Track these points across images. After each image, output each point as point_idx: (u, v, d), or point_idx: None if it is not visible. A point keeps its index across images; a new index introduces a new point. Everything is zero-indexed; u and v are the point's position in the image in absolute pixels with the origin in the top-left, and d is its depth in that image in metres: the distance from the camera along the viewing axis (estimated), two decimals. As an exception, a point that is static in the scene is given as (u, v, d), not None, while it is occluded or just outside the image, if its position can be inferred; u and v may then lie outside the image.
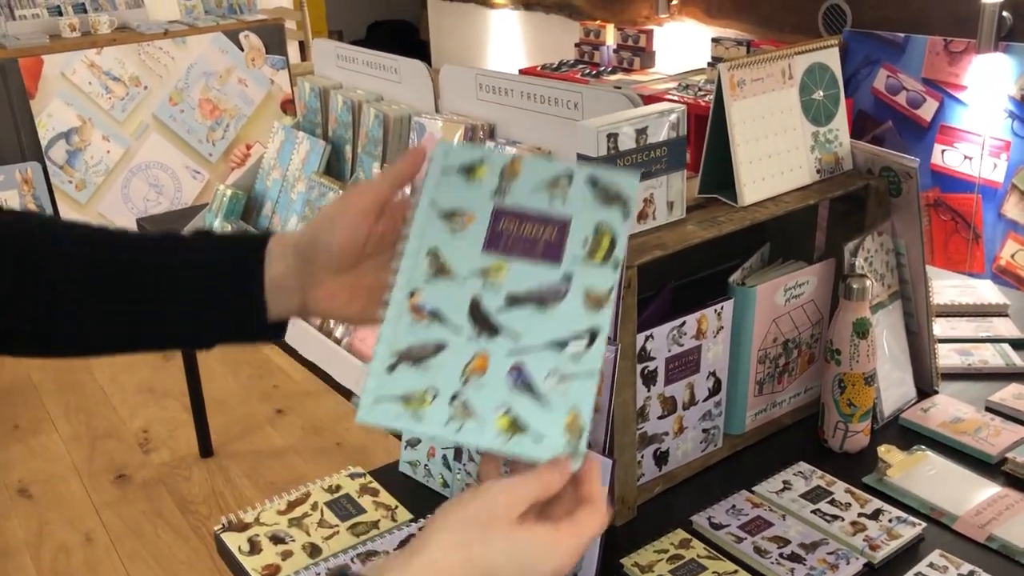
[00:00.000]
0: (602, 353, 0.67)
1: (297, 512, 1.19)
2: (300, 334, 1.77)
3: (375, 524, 1.16)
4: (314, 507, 1.20)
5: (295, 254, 0.75)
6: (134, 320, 0.75)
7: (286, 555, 1.11)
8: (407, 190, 0.77)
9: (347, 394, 1.64)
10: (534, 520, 0.63)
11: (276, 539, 1.14)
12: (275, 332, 0.77)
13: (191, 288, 0.74)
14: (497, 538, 0.61)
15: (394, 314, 0.69)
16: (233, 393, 3.18)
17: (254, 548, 1.13)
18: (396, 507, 1.19)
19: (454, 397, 0.66)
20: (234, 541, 1.14)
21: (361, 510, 1.19)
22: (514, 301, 0.68)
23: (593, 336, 0.67)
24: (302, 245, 0.75)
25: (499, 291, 0.68)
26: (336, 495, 1.22)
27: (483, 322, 0.68)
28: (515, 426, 0.65)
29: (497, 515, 0.61)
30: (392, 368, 0.67)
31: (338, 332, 1.69)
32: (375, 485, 1.24)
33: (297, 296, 0.75)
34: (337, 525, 1.16)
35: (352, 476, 1.26)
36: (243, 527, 1.16)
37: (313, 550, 1.12)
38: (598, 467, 0.67)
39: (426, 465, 1.23)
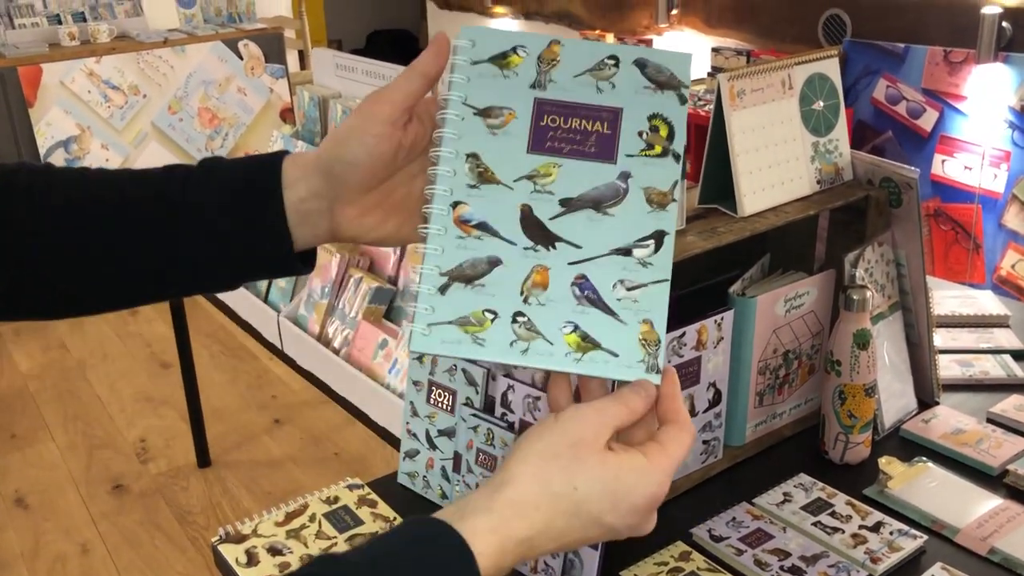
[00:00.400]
0: (671, 256, 0.62)
1: (295, 524, 1.18)
2: (298, 344, 1.76)
3: (374, 536, 1.15)
4: (312, 519, 1.19)
5: (317, 174, 0.68)
6: (146, 267, 0.68)
7: (284, 567, 1.10)
8: (438, 87, 0.70)
9: (345, 404, 1.63)
10: (619, 446, 0.58)
11: (274, 551, 1.13)
12: (303, 263, 0.71)
13: (203, 225, 0.67)
14: (585, 468, 0.56)
15: (438, 229, 0.62)
16: (231, 402, 3.17)
17: (252, 560, 1.12)
18: (394, 519, 1.18)
19: (516, 316, 0.61)
20: (231, 553, 1.13)
21: (359, 522, 1.18)
22: (569, 206, 0.62)
23: (660, 238, 0.62)
24: (324, 163, 0.68)
25: (551, 196, 0.62)
26: (334, 506, 1.21)
27: (538, 231, 0.62)
28: (586, 343, 0.60)
29: (583, 444, 0.57)
30: (444, 289, 0.61)
31: (336, 342, 1.68)
32: (373, 497, 1.23)
33: (325, 220, 0.68)
34: (335, 537, 1.15)
35: (350, 487, 1.25)
36: (241, 538, 1.15)
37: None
38: (676, 381, 0.62)
39: (424, 477, 1.22)
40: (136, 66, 4.01)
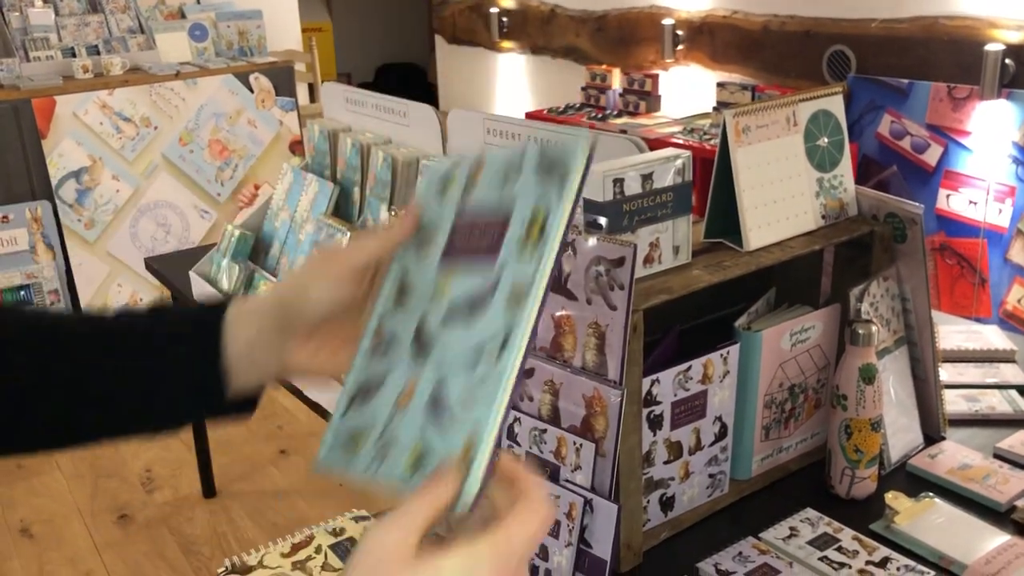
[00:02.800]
0: (515, 360, 0.54)
1: (301, 555, 1.18)
2: (306, 375, 1.77)
3: None
4: (318, 550, 1.19)
5: (272, 311, 0.68)
6: (87, 413, 0.69)
7: None
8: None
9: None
10: (441, 544, 0.52)
11: None
12: (241, 408, 0.70)
13: (143, 374, 0.68)
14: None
15: (364, 345, 0.64)
16: (237, 433, 3.17)
17: None
18: None
19: (381, 433, 0.58)
20: None
21: None
22: (451, 312, 0.59)
23: (507, 338, 0.55)
24: (281, 297, 0.69)
25: (442, 305, 0.61)
26: (340, 538, 1.21)
27: (421, 343, 0.60)
28: (421, 460, 0.55)
29: (385, 559, 0.51)
30: (348, 407, 0.62)
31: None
32: None
33: (275, 359, 0.69)
34: (341, 568, 1.15)
35: (356, 519, 1.25)
36: (246, 570, 1.15)
37: None
38: (521, 464, 0.57)
39: None
40: (148, 98, 4.06)
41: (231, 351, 0.68)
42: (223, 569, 1.16)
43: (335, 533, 1.22)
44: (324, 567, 1.15)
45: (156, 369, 0.68)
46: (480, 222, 0.63)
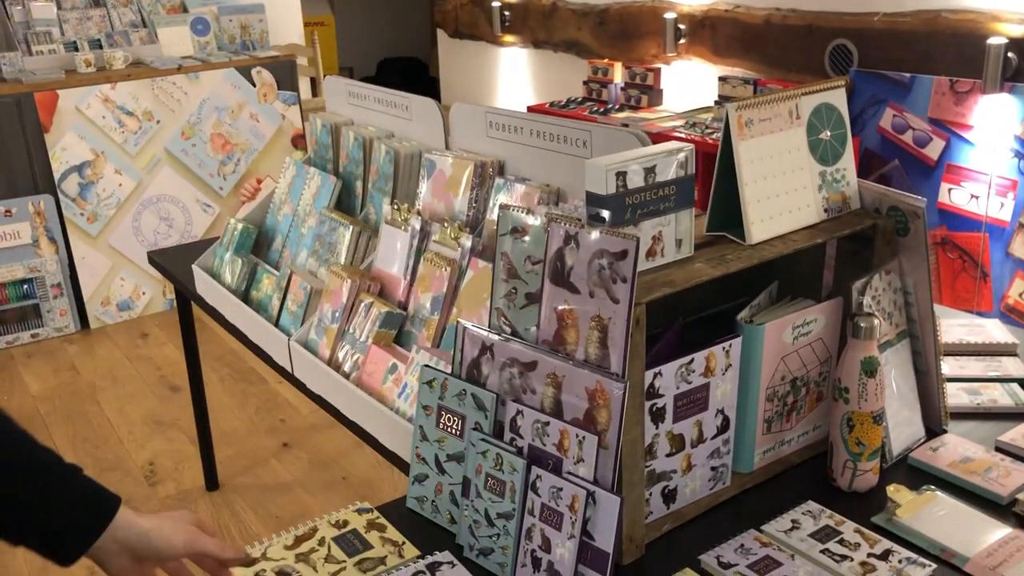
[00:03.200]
0: None
1: (304, 547, 1.19)
2: (307, 368, 1.77)
3: (382, 560, 1.15)
4: (321, 542, 1.20)
5: (121, 534, 0.98)
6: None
7: None
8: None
9: (354, 428, 1.64)
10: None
11: (283, 575, 1.14)
12: (67, 561, 0.97)
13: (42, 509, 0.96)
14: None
15: None
16: (240, 426, 3.18)
17: None
18: (403, 543, 1.18)
19: None
20: None
21: (368, 546, 1.18)
22: None
23: None
24: (130, 534, 0.98)
25: None
26: (343, 530, 1.22)
27: None
28: None
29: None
30: None
31: (346, 367, 1.69)
32: (382, 521, 1.23)
33: (102, 556, 0.98)
34: (344, 561, 1.16)
35: (359, 511, 1.25)
36: (250, 562, 1.16)
37: None
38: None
39: (433, 501, 1.23)
40: (150, 92, 4.06)
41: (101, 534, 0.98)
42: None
43: (338, 525, 1.22)
44: (328, 559, 1.16)
45: (51, 511, 0.96)
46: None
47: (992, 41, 2.90)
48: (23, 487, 0.94)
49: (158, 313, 4.19)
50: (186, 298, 2.52)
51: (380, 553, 1.17)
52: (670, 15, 4.20)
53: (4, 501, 0.93)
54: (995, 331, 1.62)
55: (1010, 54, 2.88)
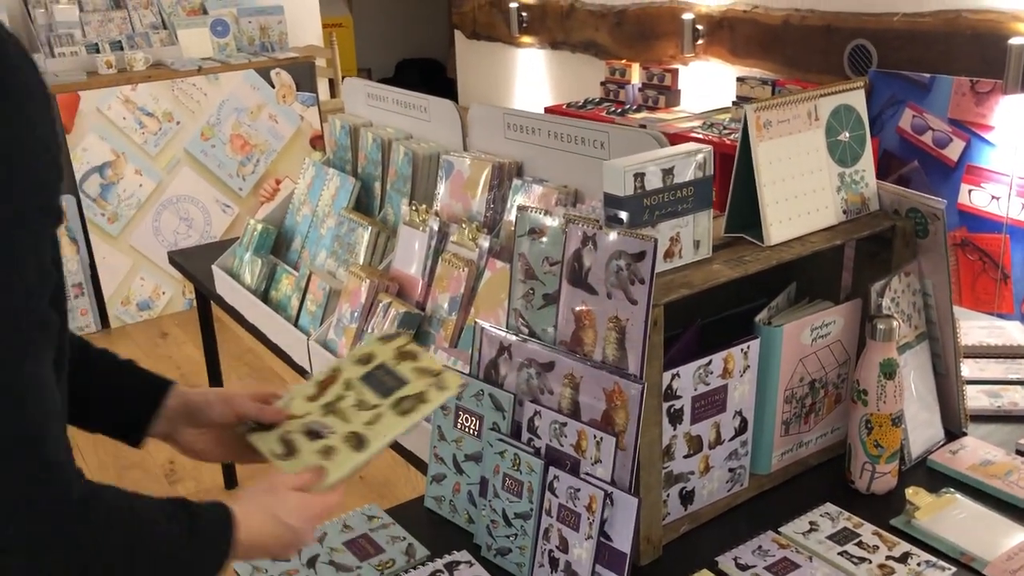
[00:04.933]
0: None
1: (329, 395, 1.07)
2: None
3: (421, 398, 1.02)
4: (348, 386, 1.07)
5: (178, 406, 1.07)
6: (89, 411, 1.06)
7: (328, 453, 0.98)
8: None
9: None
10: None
11: (312, 433, 1.01)
12: (137, 442, 1.09)
13: (108, 398, 1.07)
14: (275, 494, 0.94)
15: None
16: (258, 425, 3.19)
17: (290, 449, 1.00)
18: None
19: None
20: (265, 443, 1.02)
21: (402, 382, 1.05)
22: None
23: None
24: (186, 406, 1.07)
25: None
26: (369, 366, 1.08)
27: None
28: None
29: (276, 485, 0.95)
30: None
31: (365, 366, 1.70)
32: (412, 348, 1.10)
33: (168, 428, 1.07)
34: (377, 404, 1.03)
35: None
36: (271, 425, 1.04)
37: (359, 442, 0.98)
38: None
39: (451, 501, 1.23)
40: (170, 93, 4.09)
41: (158, 410, 1.07)
42: (245, 427, 1.05)
43: (362, 361, 1.07)
44: (359, 405, 1.01)
45: (123, 397, 1.08)
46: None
47: (1014, 41, 2.87)
48: (94, 382, 1.05)
49: (177, 313, 4.22)
50: (205, 298, 2.53)
51: (418, 388, 1.03)
52: (688, 16, 4.19)
53: (82, 396, 0.99)
54: (1016, 333, 1.61)
55: (1031, 54, 2.86)
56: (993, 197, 2.95)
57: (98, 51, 4.22)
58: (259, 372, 3.56)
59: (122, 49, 4.28)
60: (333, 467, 0.97)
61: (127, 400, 1.08)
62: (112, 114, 3.98)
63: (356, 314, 1.75)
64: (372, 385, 1.06)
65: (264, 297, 2.13)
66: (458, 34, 6.16)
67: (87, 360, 1.06)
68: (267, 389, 1.12)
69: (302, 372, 1.91)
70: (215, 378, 2.73)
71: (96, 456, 3.04)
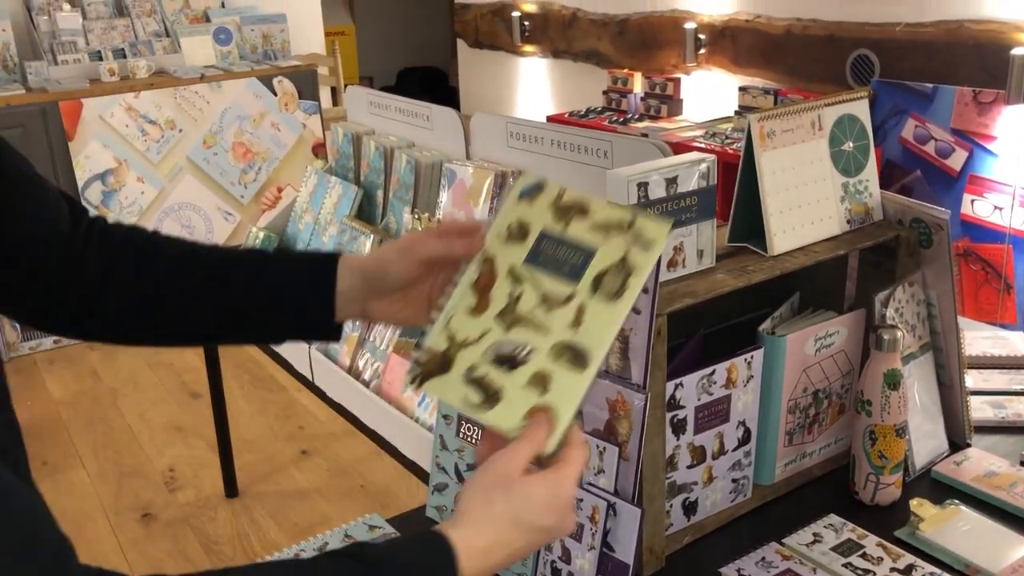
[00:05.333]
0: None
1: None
2: (328, 376, 1.78)
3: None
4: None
5: (361, 276, 0.90)
6: (229, 318, 0.92)
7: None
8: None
9: (373, 436, 1.64)
10: (535, 470, 0.75)
11: (502, 360, 0.79)
12: (338, 332, 0.93)
13: (273, 296, 0.91)
14: (514, 491, 0.73)
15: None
16: (259, 433, 3.19)
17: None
18: None
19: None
20: (451, 392, 0.79)
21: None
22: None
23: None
24: (368, 271, 0.91)
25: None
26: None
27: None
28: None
29: (508, 474, 0.73)
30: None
31: (366, 375, 1.70)
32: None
33: (358, 306, 0.91)
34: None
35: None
36: (446, 364, 0.80)
37: (575, 355, 0.77)
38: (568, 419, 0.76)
39: (453, 511, 1.23)
40: (173, 101, 4.10)
41: (336, 294, 0.91)
42: (413, 378, 0.80)
43: (514, 236, 0.83)
44: (546, 302, 0.78)
45: (286, 292, 0.91)
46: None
47: (1016, 51, 2.87)
48: (261, 286, 0.92)
49: (179, 320, 4.22)
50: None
51: (613, 254, 0.79)
52: (690, 25, 4.20)
53: (238, 309, 0.91)
54: (1020, 344, 1.61)
55: (1034, 65, 2.86)
56: (996, 207, 2.94)
57: (101, 58, 4.23)
58: (261, 381, 3.56)
59: (125, 57, 4.29)
60: (561, 402, 0.74)
61: (293, 301, 0.91)
62: (115, 121, 3.98)
63: (357, 322, 1.75)
64: (547, 267, 0.80)
65: (266, 305, 2.13)
66: (460, 43, 6.17)
67: (221, 266, 0.92)
68: (458, 222, 0.92)
69: (303, 380, 1.91)
70: (216, 386, 2.73)
71: (96, 463, 3.04)
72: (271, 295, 0.91)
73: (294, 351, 1.93)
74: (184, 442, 3.16)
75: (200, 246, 0.94)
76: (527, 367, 0.76)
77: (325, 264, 0.92)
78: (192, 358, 3.76)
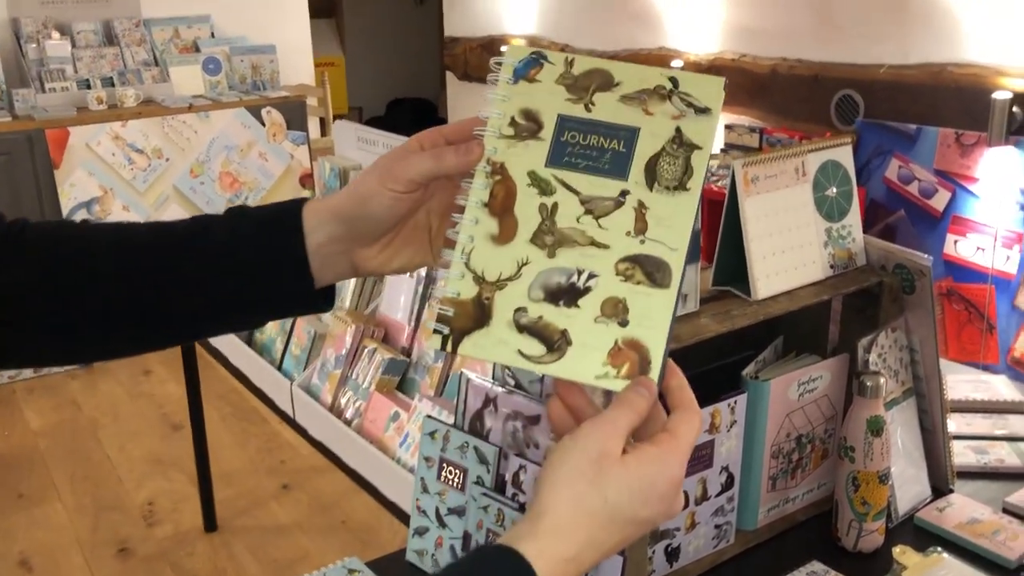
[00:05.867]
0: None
1: None
2: (310, 414, 1.77)
3: None
4: None
5: (337, 222, 0.73)
6: (171, 309, 0.74)
7: None
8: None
9: (353, 474, 1.62)
10: (633, 446, 0.61)
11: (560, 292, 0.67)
12: (324, 300, 0.76)
13: (230, 264, 0.73)
14: (610, 479, 0.59)
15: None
16: (240, 466, 3.16)
17: None
18: None
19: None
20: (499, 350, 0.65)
21: None
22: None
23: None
24: (345, 216, 0.73)
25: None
26: None
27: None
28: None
29: (603, 457, 0.60)
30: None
31: (348, 413, 1.68)
32: None
33: (344, 260, 0.74)
34: None
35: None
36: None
37: (653, 268, 0.66)
38: (677, 371, 0.63)
39: (433, 555, 1.21)
40: (161, 130, 4.10)
41: (309, 251, 0.73)
42: (445, 341, 0.67)
43: (516, 120, 0.69)
44: (591, 207, 0.65)
45: (243, 263, 0.73)
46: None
47: (997, 95, 2.91)
48: (200, 272, 0.74)
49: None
50: (190, 338, 2.51)
51: (660, 130, 0.65)
52: (677, 63, 4.24)
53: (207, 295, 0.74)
54: (1002, 388, 1.61)
55: (1015, 108, 2.90)
56: (978, 248, 2.97)
57: (89, 87, 4.23)
58: (243, 412, 3.53)
59: (113, 85, 4.29)
60: (648, 332, 0.61)
61: (255, 272, 0.73)
62: (101, 150, 3.98)
63: (340, 359, 1.74)
64: (579, 164, 0.65)
65: (248, 339, 2.11)
66: (450, 75, 6.21)
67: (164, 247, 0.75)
68: (444, 128, 0.75)
69: (285, 417, 1.89)
70: (197, 418, 2.70)
71: (73, 496, 3.00)
72: (223, 271, 0.73)
73: (275, 386, 1.91)
74: (164, 475, 3.12)
75: (133, 230, 0.77)
76: (592, 296, 0.62)
77: (286, 217, 0.74)
78: (174, 388, 3.73)
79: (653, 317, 0.61)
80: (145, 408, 3.62)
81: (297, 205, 0.74)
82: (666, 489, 0.61)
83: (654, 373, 0.61)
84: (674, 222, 0.62)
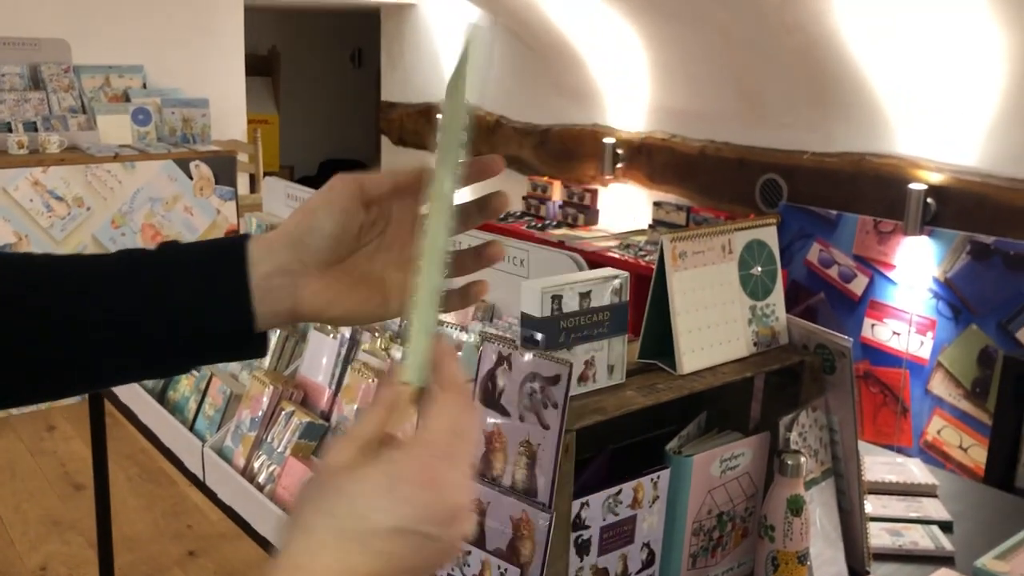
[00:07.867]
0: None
1: None
2: (221, 476, 1.70)
3: None
4: None
5: (284, 247, 0.68)
6: (91, 353, 0.67)
7: None
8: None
9: (263, 542, 1.55)
10: (381, 454, 0.54)
11: None
12: (259, 344, 0.70)
13: (162, 302, 0.67)
14: (329, 492, 0.52)
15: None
16: (144, 530, 3.01)
17: None
18: None
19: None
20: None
21: None
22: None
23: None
24: (293, 235, 0.68)
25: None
26: None
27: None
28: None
29: (326, 472, 0.53)
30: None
31: (261, 477, 1.62)
32: None
33: (288, 296, 0.68)
34: None
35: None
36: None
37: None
38: (447, 348, 0.58)
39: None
40: (83, 178, 3.99)
41: (253, 284, 0.67)
42: None
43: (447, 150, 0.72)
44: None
45: (179, 300, 0.67)
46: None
47: (913, 187, 3.04)
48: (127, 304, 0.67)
49: (68, 406, 4.01)
50: (98, 392, 2.41)
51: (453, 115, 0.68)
52: (609, 140, 4.33)
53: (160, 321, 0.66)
54: (916, 471, 1.64)
55: (929, 200, 3.02)
56: (894, 332, 3.06)
57: (11, 130, 4.11)
58: (151, 473, 3.39)
59: (36, 130, 4.18)
60: (415, 323, 0.59)
61: (186, 310, 0.67)
62: (19, 195, 3.85)
63: (256, 421, 1.68)
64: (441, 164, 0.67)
65: (161, 397, 2.03)
66: (385, 139, 6.23)
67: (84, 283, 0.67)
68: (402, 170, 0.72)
69: (194, 479, 1.81)
70: (102, 477, 2.57)
71: (-40, 558, 2.81)
72: (153, 297, 0.66)
73: (186, 447, 1.84)
74: (61, 537, 2.96)
75: (42, 260, 0.70)
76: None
77: (230, 246, 0.68)
78: (78, 446, 3.57)
79: (418, 308, 0.60)
80: (46, 466, 3.45)
81: (242, 239, 0.69)
82: (411, 491, 0.51)
83: (411, 362, 0.58)
84: (444, 185, 0.65)
